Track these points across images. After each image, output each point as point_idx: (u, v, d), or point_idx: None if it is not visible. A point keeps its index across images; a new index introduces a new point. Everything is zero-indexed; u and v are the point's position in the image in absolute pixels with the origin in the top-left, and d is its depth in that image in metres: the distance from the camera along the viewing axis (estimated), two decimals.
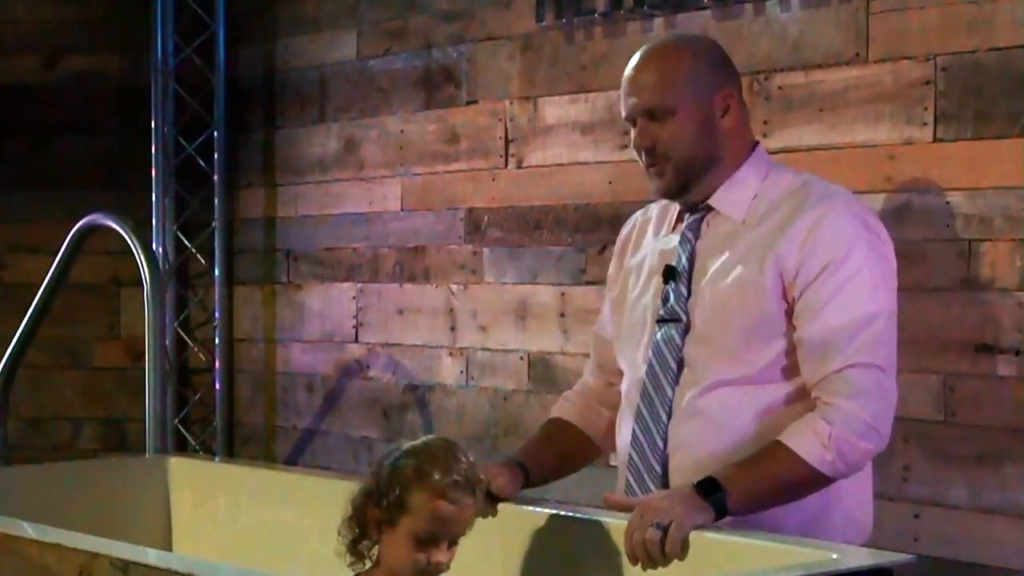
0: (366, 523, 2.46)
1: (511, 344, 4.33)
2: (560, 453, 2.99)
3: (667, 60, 2.83)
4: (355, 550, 2.48)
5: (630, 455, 2.80)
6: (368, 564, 2.47)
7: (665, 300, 2.80)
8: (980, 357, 3.26)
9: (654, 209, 2.99)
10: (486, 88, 4.42)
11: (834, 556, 2.38)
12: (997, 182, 3.23)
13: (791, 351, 2.71)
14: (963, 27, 3.28)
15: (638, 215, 3.03)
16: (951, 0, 3.30)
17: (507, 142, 4.35)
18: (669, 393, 2.76)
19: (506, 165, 4.36)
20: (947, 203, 3.31)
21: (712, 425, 2.71)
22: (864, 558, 2.41)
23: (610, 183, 4.03)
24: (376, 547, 2.47)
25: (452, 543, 2.44)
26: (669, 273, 2.80)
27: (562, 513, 2.76)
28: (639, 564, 2.50)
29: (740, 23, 3.67)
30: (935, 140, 3.34)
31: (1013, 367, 3.21)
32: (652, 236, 2.93)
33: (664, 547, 2.46)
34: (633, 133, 2.83)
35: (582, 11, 4.07)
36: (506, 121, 4.35)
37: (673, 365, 2.77)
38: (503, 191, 4.37)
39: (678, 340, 2.77)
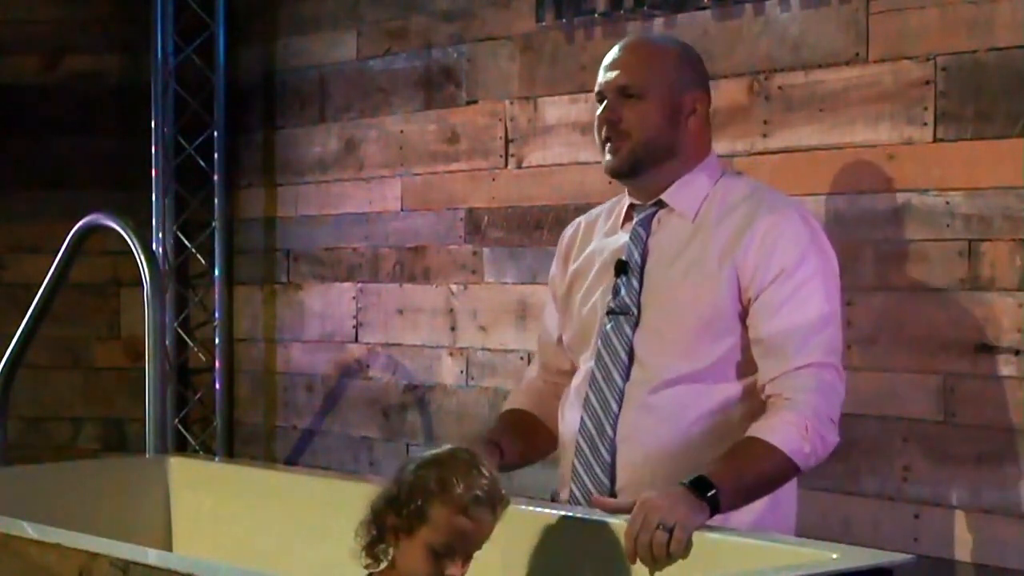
0: (384, 528, 2.45)
1: (511, 344, 4.33)
2: (525, 440, 2.99)
3: (651, 48, 2.93)
4: (371, 552, 2.47)
5: (578, 442, 2.84)
6: (383, 565, 2.47)
7: (616, 293, 2.84)
8: (980, 357, 3.26)
9: (597, 212, 3.04)
10: (486, 88, 4.42)
11: (834, 556, 2.38)
12: (997, 182, 3.23)
13: (742, 350, 2.77)
14: (963, 27, 3.28)
15: (581, 219, 3.07)
16: (951, 0, 3.30)
17: (507, 142, 4.35)
18: (620, 384, 2.80)
19: (506, 165, 4.36)
20: (947, 203, 3.31)
21: (663, 420, 2.76)
22: (864, 558, 2.40)
23: (610, 183, 4.00)
24: (391, 550, 2.46)
25: (467, 558, 2.44)
26: (620, 267, 2.85)
27: (562, 513, 2.76)
28: (639, 562, 2.50)
29: (740, 23, 3.67)
30: (935, 140, 3.34)
31: (1013, 367, 3.21)
32: (598, 236, 2.97)
33: (670, 548, 2.47)
34: (599, 109, 2.88)
35: (582, 11, 4.07)
36: (506, 121, 4.35)
37: (624, 356, 2.81)
38: (503, 191, 4.37)
39: (628, 332, 2.81)
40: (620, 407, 2.80)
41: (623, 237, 2.90)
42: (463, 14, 4.48)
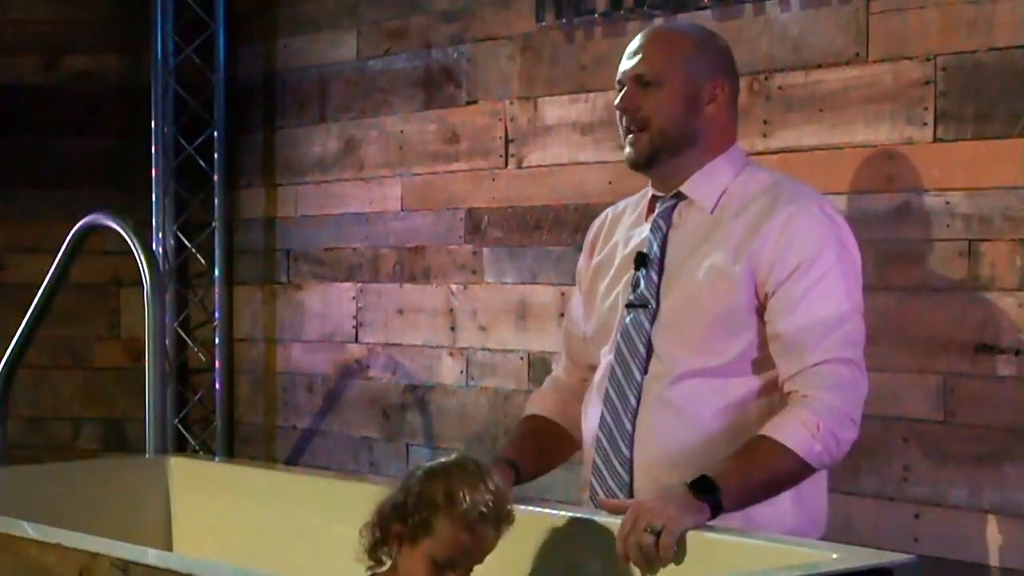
0: (388, 533, 2.46)
1: (511, 344, 4.33)
2: (542, 449, 2.99)
3: (671, 36, 2.90)
4: (374, 554, 2.48)
5: (598, 437, 2.82)
6: (385, 567, 2.48)
7: (635, 286, 2.83)
8: (980, 357, 3.26)
9: (625, 203, 3.01)
10: (486, 88, 4.42)
11: (834, 556, 2.38)
12: (997, 182, 3.23)
13: (760, 346, 2.74)
14: (963, 27, 3.28)
15: (609, 211, 3.04)
16: (951, 0, 3.30)
17: (507, 142, 4.35)
18: (638, 377, 2.78)
19: (506, 165, 4.36)
20: (947, 203, 3.31)
21: (680, 416, 2.74)
22: (864, 558, 2.40)
23: (610, 183, 4.03)
24: (393, 552, 2.47)
25: (468, 569, 2.44)
26: (640, 260, 2.83)
27: (562, 513, 2.76)
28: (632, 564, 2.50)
29: (740, 23, 3.67)
30: (935, 140, 3.34)
31: (1013, 367, 3.21)
32: (623, 228, 2.95)
33: (658, 550, 2.46)
34: (617, 98, 2.85)
35: (582, 11, 4.07)
36: (506, 121, 4.35)
37: (642, 350, 2.79)
38: (503, 191, 4.37)
39: (647, 325, 2.79)
40: (639, 402, 2.77)
41: (645, 229, 2.87)
42: (463, 14, 4.48)
